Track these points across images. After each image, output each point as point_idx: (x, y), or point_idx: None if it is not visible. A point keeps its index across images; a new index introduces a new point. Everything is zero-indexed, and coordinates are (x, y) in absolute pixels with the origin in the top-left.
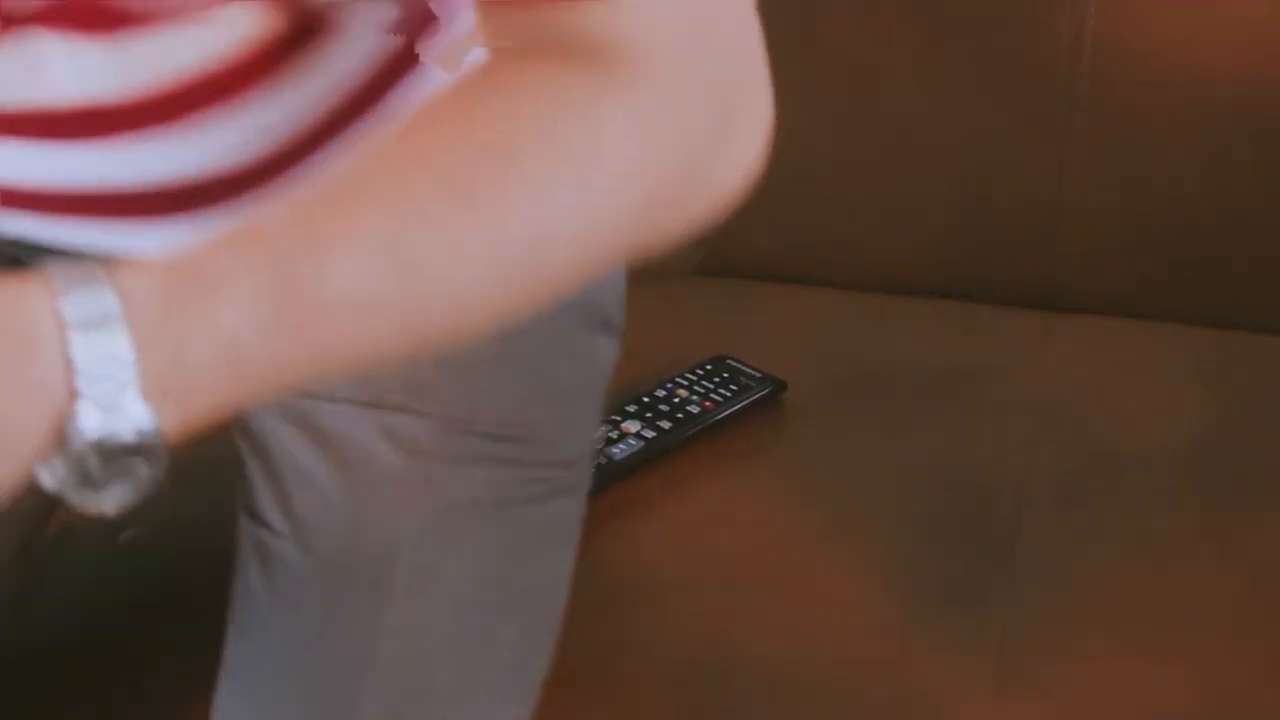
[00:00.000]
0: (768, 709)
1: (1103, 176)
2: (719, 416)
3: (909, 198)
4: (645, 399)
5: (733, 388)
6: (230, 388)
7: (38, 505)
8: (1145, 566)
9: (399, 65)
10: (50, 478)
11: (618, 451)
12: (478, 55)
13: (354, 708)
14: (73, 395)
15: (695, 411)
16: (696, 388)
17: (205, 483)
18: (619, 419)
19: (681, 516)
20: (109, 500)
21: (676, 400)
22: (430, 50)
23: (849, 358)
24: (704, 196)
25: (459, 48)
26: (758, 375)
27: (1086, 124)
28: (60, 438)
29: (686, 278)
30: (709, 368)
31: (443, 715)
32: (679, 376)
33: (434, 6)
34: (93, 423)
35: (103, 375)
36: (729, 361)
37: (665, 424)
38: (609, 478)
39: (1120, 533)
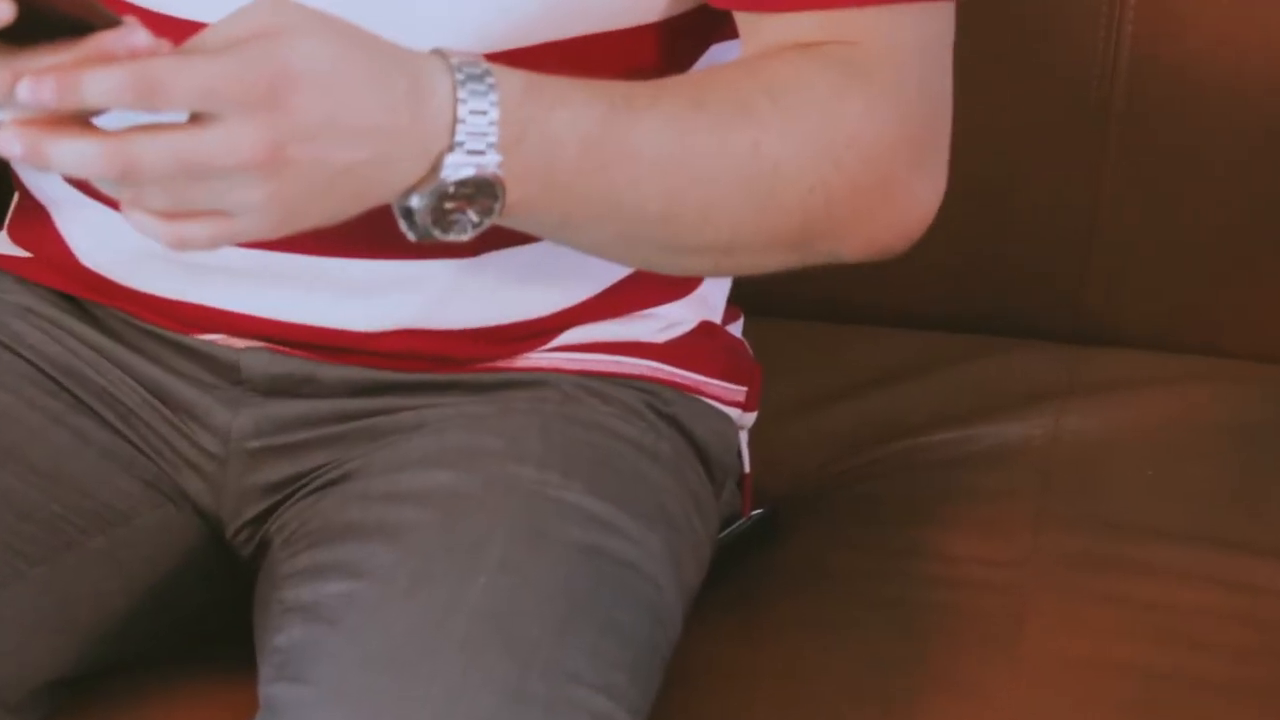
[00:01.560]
0: None
1: (1139, 195)
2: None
3: None
4: None
5: None
6: (537, 188)
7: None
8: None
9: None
10: (417, 201)
11: None
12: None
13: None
14: (452, 140)
15: None
16: None
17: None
18: None
19: None
20: (450, 231)
21: None
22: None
23: (856, 408)
24: (894, 207)
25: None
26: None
27: (1122, 138)
28: (434, 170)
29: None
30: None
31: None
32: None
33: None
34: (458, 161)
35: (474, 128)
36: None
37: None
38: None
39: (1136, 610)
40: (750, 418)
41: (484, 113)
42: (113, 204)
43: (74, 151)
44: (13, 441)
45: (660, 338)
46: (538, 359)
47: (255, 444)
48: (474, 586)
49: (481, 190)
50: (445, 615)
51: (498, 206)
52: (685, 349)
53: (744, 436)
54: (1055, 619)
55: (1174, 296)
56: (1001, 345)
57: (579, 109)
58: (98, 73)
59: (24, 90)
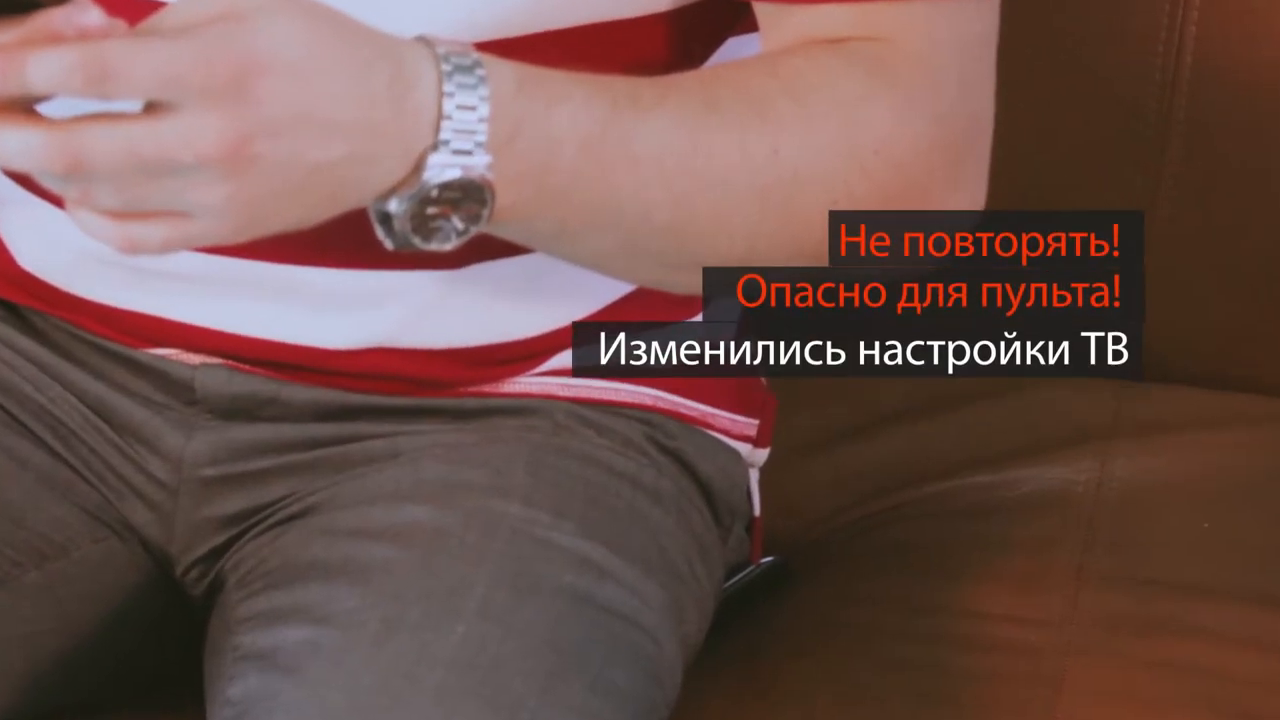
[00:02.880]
0: None
1: (1199, 216)
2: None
3: None
4: None
5: None
6: (531, 192)
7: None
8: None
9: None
10: (396, 205)
11: None
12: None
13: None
14: (436, 138)
15: None
16: None
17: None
18: None
19: None
20: (433, 240)
21: None
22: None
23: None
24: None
25: None
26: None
27: (1182, 154)
28: (416, 171)
29: None
30: None
31: None
32: None
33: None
34: (443, 161)
35: (461, 125)
36: None
37: None
38: None
39: (1187, 678)
40: (762, 455)
41: (473, 108)
42: (58, 201)
43: (16, 141)
44: None
45: None
46: (527, 384)
47: (210, 472)
48: (451, 635)
49: (468, 194)
50: (418, 667)
51: (486, 213)
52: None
53: (754, 475)
54: (1096, 687)
55: (1233, 329)
56: (1042, 380)
57: (579, 106)
58: (44, 54)
59: None
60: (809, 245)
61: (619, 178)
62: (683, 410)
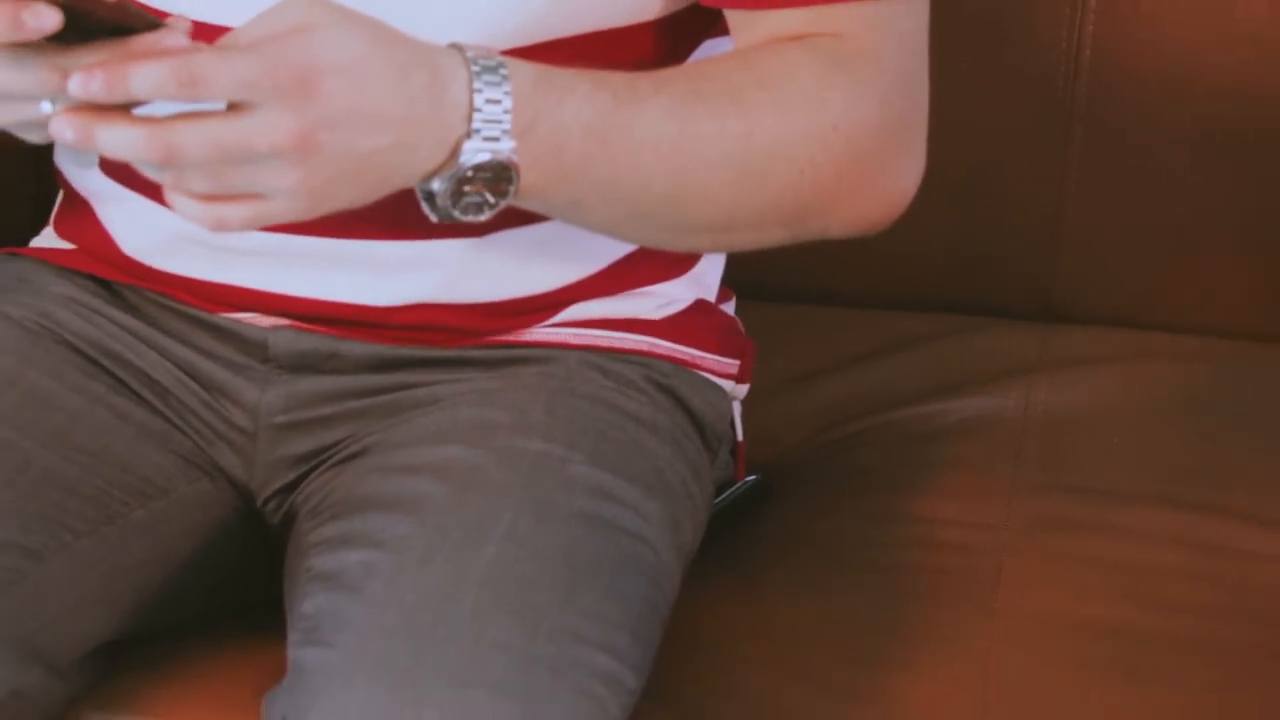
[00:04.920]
0: None
1: (1102, 187)
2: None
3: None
4: None
5: None
6: (548, 171)
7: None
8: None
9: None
10: (438, 185)
11: None
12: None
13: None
14: (469, 127)
15: None
16: None
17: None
18: None
19: None
20: (469, 212)
21: None
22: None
23: (837, 381)
24: (877, 185)
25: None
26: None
27: (1084, 133)
28: (453, 156)
29: None
30: None
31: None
32: None
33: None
34: (475, 147)
35: (489, 116)
36: None
37: None
38: None
39: (1105, 569)
40: (743, 389)
41: (498, 101)
42: (151, 193)
43: (121, 137)
44: (58, 423)
45: (658, 314)
46: (544, 333)
47: (282, 419)
48: (483, 556)
49: (497, 174)
50: (457, 585)
51: (512, 189)
52: (681, 325)
53: (737, 407)
54: (1029, 578)
55: (1135, 279)
56: (976, 325)
57: (585, 99)
58: (144, 66)
59: (75, 84)
60: (783, 209)
61: (622, 158)
62: (675, 354)
